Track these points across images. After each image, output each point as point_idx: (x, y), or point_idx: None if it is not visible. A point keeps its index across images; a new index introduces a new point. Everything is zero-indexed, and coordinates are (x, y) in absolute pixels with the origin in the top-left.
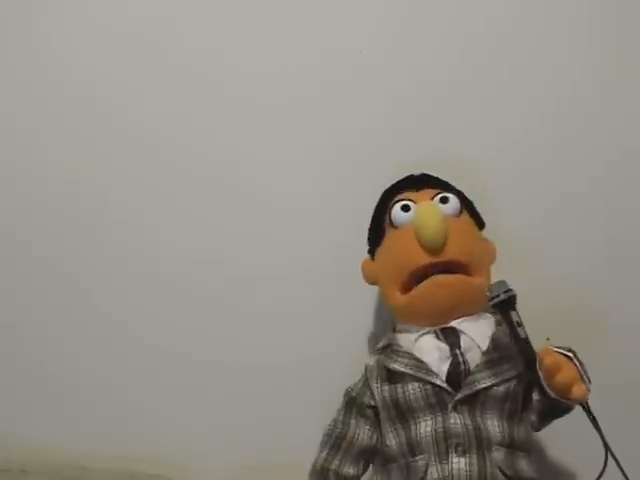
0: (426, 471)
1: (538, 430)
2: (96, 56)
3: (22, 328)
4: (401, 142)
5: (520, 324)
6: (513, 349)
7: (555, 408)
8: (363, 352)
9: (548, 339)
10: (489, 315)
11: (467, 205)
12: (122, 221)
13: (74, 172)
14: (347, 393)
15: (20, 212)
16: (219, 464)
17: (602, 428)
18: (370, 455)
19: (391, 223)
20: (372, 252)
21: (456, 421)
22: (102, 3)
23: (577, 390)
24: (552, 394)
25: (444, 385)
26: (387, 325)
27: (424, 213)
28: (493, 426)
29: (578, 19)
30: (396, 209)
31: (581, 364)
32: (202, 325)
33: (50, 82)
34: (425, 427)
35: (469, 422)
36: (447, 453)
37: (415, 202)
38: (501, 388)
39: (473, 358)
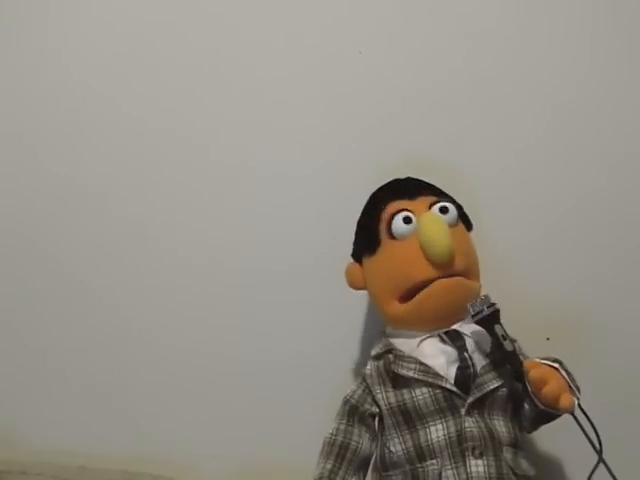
0: (440, 476)
1: (530, 433)
2: (97, 54)
3: (21, 329)
4: (401, 142)
5: (505, 337)
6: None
7: (546, 415)
8: (362, 354)
9: (548, 339)
10: None
11: (458, 209)
12: (123, 219)
13: (75, 170)
14: (347, 401)
15: (23, 210)
16: (219, 464)
17: (595, 432)
18: (368, 465)
19: (390, 234)
20: (359, 257)
21: (471, 424)
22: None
23: (564, 401)
24: (540, 405)
25: (454, 389)
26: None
27: (432, 228)
28: (501, 427)
29: (580, 23)
30: (397, 221)
31: (568, 373)
32: (202, 327)
33: (51, 81)
34: (436, 432)
35: (482, 425)
36: (463, 457)
37: (414, 212)
38: (505, 389)
39: (479, 360)
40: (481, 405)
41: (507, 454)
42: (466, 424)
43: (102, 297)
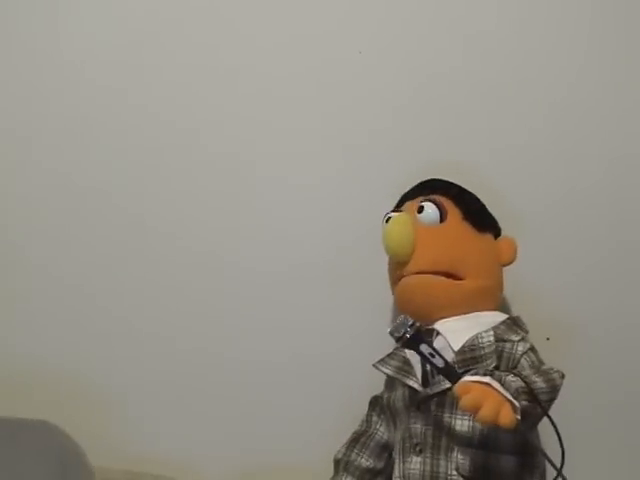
0: (393, 469)
1: (522, 432)
2: (98, 51)
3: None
4: (401, 142)
5: (434, 354)
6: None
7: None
8: (363, 355)
9: (548, 339)
10: (493, 314)
11: (464, 207)
12: (124, 218)
13: (76, 167)
14: (373, 396)
15: (23, 209)
16: (220, 465)
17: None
18: (388, 449)
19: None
20: None
21: (416, 421)
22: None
23: (503, 420)
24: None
25: (415, 386)
26: None
27: (388, 229)
28: (461, 426)
29: (579, 20)
30: (384, 221)
31: (502, 384)
32: (204, 328)
33: (53, 81)
34: (400, 427)
35: (431, 422)
36: (409, 453)
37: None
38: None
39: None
40: (441, 403)
41: (459, 454)
42: (412, 420)
43: (98, 297)
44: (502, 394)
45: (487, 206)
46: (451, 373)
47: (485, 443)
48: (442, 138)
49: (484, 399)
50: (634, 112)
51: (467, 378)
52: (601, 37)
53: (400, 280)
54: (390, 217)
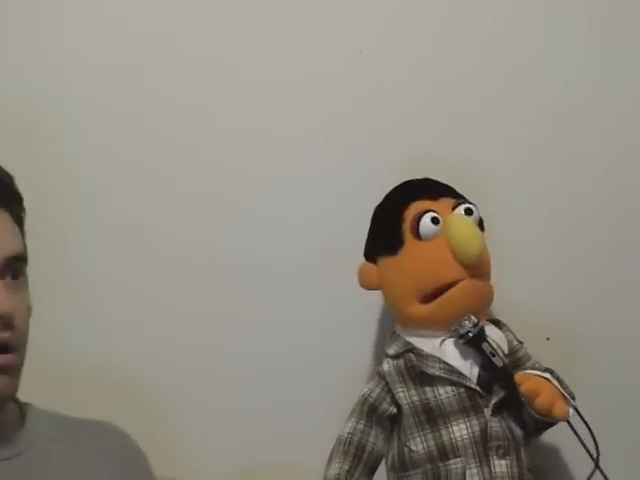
0: (464, 475)
1: (534, 438)
2: (98, 48)
3: None
4: (401, 142)
5: (494, 354)
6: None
7: (545, 422)
8: (364, 355)
9: (548, 339)
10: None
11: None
12: (125, 217)
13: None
14: (364, 400)
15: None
16: (222, 465)
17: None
18: (378, 465)
19: (416, 234)
20: (373, 257)
21: (496, 424)
22: None
23: (558, 410)
24: (537, 415)
25: (477, 388)
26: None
27: (464, 229)
28: (517, 427)
29: (578, 17)
30: (425, 222)
31: (560, 382)
32: (205, 328)
33: (52, 80)
34: (460, 431)
35: (504, 425)
36: (487, 456)
37: (439, 213)
38: (523, 399)
39: (499, 362)
40: (502, 406)
41: (524, 454)
42: (492, 424)
43: (102, 290)
44: (559, 389)
45: (487, 205)
46: (507, 374)
47: (527, 442)
48: (443, 137)
49: (542, 389)
50: (632, 111)
51: (528, 372)
52: (602, 34)
53: (454, 285)
54: (436, 217)
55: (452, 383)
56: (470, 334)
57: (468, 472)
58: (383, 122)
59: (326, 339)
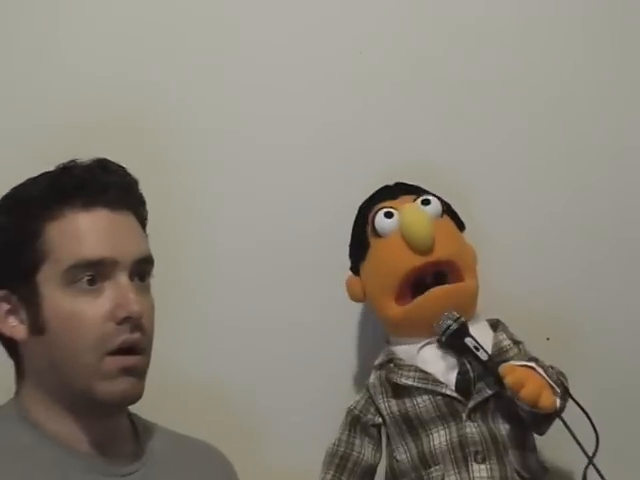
0: None
1: (540, 434)
2: (99, 47)
3: None
4: (402, 141)
5: (478, 347)
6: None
7: (542, 416)
8: (365, 361)
9: (548, 339)
10: (482, 319)
11: (447, 208)
12: None
13: None
14: (350, 412)
15: None
16: None
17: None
18: (373, 474)
19: (375, 233)
20: (356, 268)
21: (472, 429)
22: None
23: (544, 401)
24: (525, 407)
25: (454, 394)
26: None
27: (410, 215)
28: (506, 430)
29: (569, 20)
30: (379, 217)
31: (545, 370)
32: (206, 328)
33: (53, 80)
34: (439, 438)
35: (485, 429)
36: (466, 462)
37: (396, 209)
38: (509, 392)
39: (479, 365)
40: (484, 409)
41: (513, 457)
42: (467, 429)
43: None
44: (545, 378)
45: (487, 205)
46: (494, 367)
47: (524, 443)
48: (443, 138)
49: (527, 379)
50: (630, 110)
51: (513, 362)
52: (594, 37)
53: (420, 283)
54: (389, 211)
55: (428, 391)
56: (451, 329)
57: (447, 479)
58: (383, 122)
59: (328, 346)
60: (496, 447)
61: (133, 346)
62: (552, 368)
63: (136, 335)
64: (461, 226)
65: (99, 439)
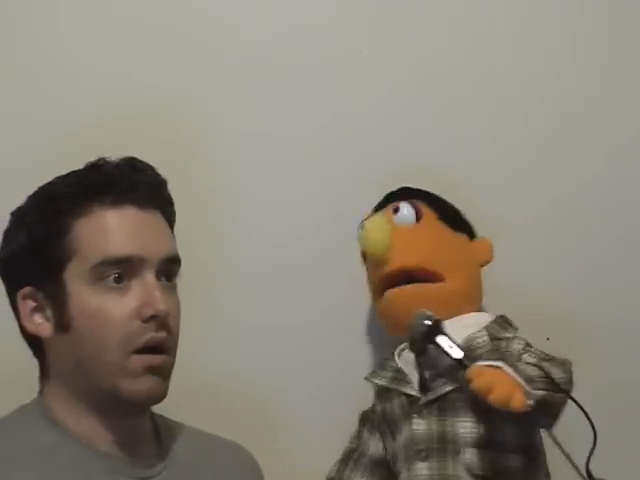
0: (399, 478)
1: (549, 427)
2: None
3: None
4: (402, 142)
5: (452, 345)
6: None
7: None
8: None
9: (548, 339)
10: (476, 315)
11: (437, 208)
12: None
13: None
14: (364, 411)
15: None
16: None
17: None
18: (382, 465)
19: None
20: None
21: (418, 427)
22: None
23: (515, 403)
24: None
25: (413, 392)
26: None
27: (367, 228)
28: (465, 428)
29: (567, 20)
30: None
31: (515, 368)
32: (207, 329)
33: (56, 80)
34: (400, 436)
35: (435, 427)
36: (414, 459)
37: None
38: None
39: (442, 363)
40: (442, 407)
41: (469, 455)
42: (414, 427)
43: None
44: (514, 378)
45: (487, 205)
46: (467, 365)
47: (492, 443)
48: (443, 138)
49: (496, 382)
50: (628, 110)
51: (480, 363)
52: (590, 38)
53: (383, 288)
54: (362, 224)
55: (397, 391)
56: (423, 328)
57: (400, 476)
58: (383, 122)
59: (336, 347)
60: (443, 445)
61: (159, 345)
62: (549, 359)
63: (162, 334)
64: (456, 227)
65: (122, 439)
